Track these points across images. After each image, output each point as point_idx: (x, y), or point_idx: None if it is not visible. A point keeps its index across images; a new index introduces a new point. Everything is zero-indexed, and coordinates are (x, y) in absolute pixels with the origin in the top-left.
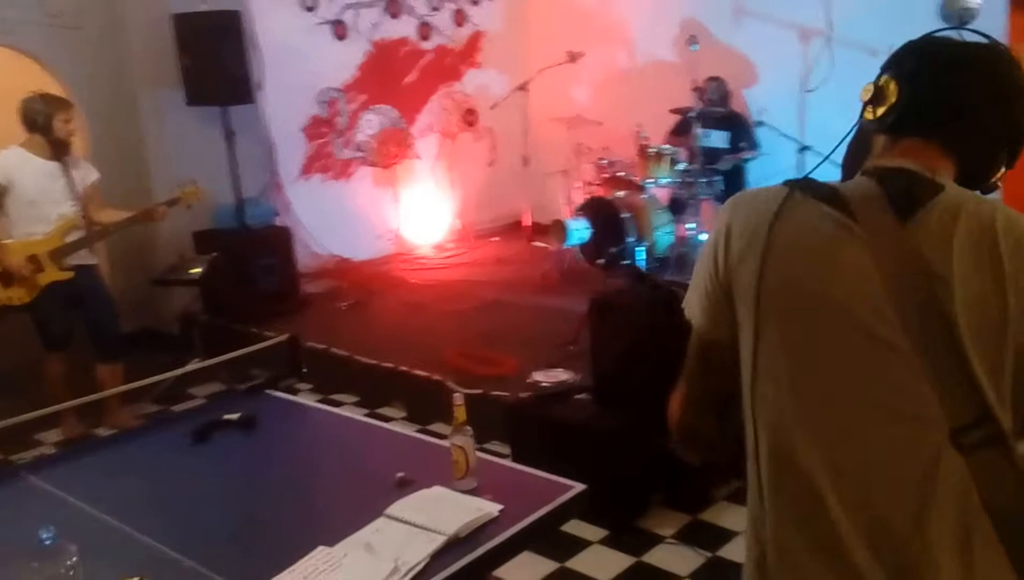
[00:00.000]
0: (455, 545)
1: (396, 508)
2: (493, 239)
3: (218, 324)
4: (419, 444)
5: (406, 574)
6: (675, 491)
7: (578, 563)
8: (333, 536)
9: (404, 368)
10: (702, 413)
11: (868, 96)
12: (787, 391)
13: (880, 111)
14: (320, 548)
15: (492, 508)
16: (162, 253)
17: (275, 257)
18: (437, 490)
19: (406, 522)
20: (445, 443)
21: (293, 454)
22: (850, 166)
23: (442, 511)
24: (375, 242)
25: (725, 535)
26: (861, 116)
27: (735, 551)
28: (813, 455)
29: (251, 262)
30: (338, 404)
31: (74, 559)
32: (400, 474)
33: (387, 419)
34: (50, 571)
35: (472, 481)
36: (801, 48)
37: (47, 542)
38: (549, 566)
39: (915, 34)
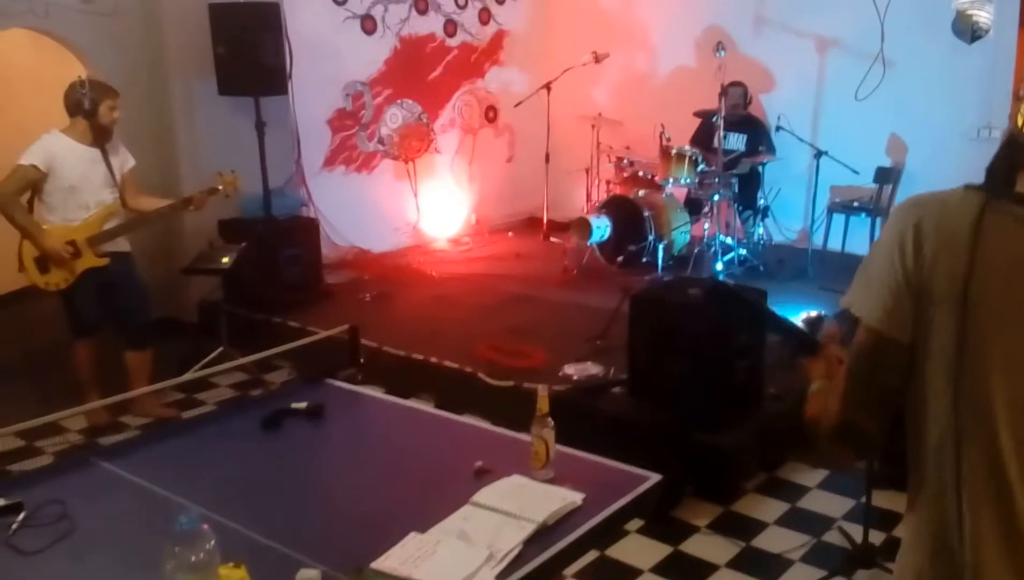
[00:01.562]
0: (543, 532)
1: (482, 496)
2: (508, 234)
3: (240, 313)
4: (489, 435)
5: (501, 560)
6: (706, 483)
7: (618, 551)
8: (422, 523)
9: (434, 360)
10: (867, 411)
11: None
12: (1002, 399)
13: None
14: (412, 534)
15: (576, 497)
16: (188, 242)
17: (300, 248)
18: (518, 479)
19: (494, 509)
20: (513, 433)
21: (365, 443)
22: (1001, 170)
23: (528, 499)
24: (393, 235)
25: (758, 525)
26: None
27: (768, 541)
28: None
29: (277, 252)
30: None
31: (212, 542)
32: (479, 463)
33: None
34: (191, 554)
35: (550, 471)
36: (818, 57)
37: (187, 526)
38: (590, 554)
39: (928, 48)
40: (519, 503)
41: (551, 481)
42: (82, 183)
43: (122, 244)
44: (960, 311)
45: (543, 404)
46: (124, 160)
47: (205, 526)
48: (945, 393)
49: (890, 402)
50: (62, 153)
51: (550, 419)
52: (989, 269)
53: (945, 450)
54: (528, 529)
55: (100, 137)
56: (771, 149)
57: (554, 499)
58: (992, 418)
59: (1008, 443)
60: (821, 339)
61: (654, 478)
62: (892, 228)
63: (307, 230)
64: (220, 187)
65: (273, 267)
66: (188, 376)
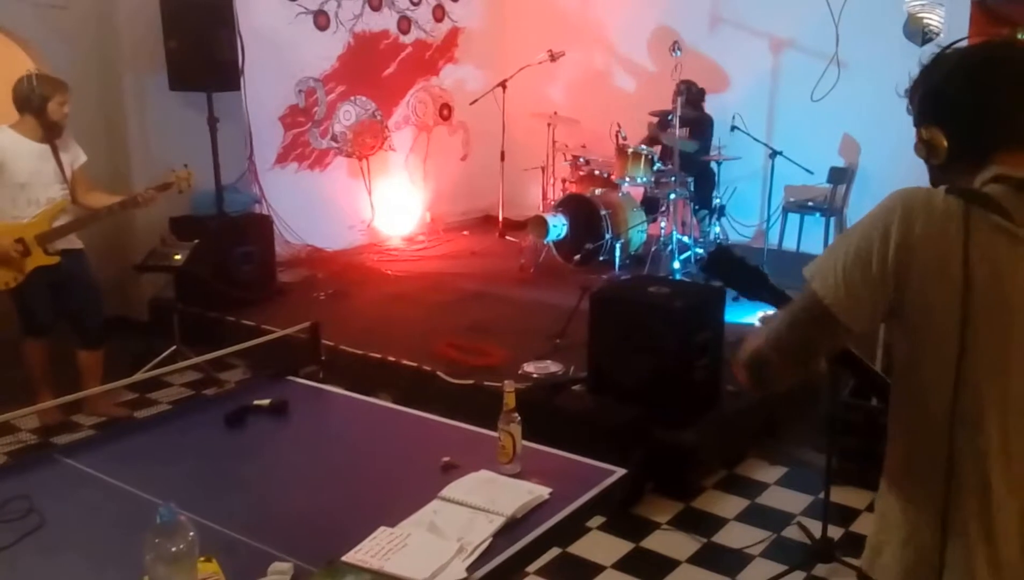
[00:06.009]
0: (511, 526)
1: (450, 490)
2: (463, 233)
3: (193, 312)
4: (454, 430)
5: (472, 552)
6: (666, 480)
7: (580, 548)
8: (391, 517)
9: (393, 358)
10: (787, 358)
11: (924, 153)
12: (1001, 394)
13: (941, 160)
14: (382, 528)
15: (543, 491)
16: (139, 239)
17: (253, 245)
18: (486, 474)
19: (463, 504)
20: (478, 429)
21: (330, 439)
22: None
23: (496, 493)
24: (347, 233)
25: (718, 521)
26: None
27: (728, 537)
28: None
29: (230, 249)
30: None
31: (192, 534)
32: (445, 458)
33: None
34: (172, 545)
35: (517, 466)
36: (772, 57)
37: (166, 518)
38: (553, 551)
39: (880, 50)
40: (487, 497)
41: (518, 475)
42: (32, 179)
43: (74, 241)
44: (960, 325)
45: (510, 399)
46: (75, 156)
47: (182, 518)
48: (944, 399)
49: (811, 361)
50: (11, 149)
51: (517, 414)
52: (977, 281)
53: (938, 448)
54: (497, 522)
55: (50, 133)
56: (711, 147)
57: (522, 493)
58: (986, 427)
59: (998, 456)
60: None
61: (619, 472)
62: (879, 216)
63: (260, 227)
64: (172, 182)
65: (226, 265)
66: (142, 375)
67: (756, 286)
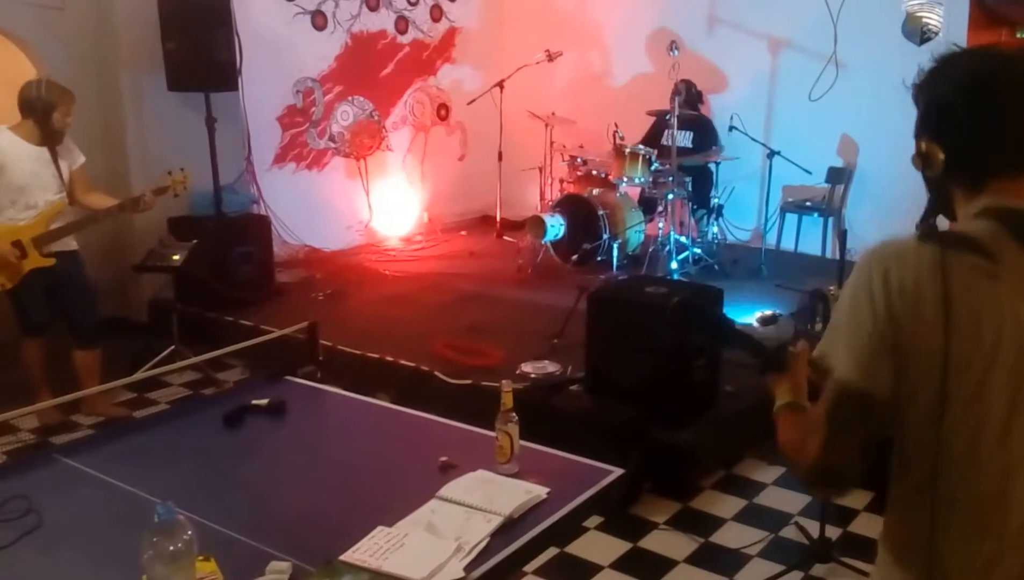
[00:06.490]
0: (509, 525)
1: (448, 490)
2: (461, 233)
3: (192, 312)
4: (452, 430)
5: (469, 552)
6: (664, 480)
7: (577, 548)
8: (389, 517)
9: (391, 358)
10: (846, 456)
11: (920, 165)
12: (994, 443)
13: (936, 174)
14: (380, 528)
15: (540, 491)
16: (138, 239)
17: (252, 245)
18: (483, 474)
19: (461, 503)
20: (476, 429)
21: (328, 439)
22: (938, 211)
23: (494, 493)
24: (345, 233)
25: (716, 521)
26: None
27: (726, 537)
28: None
29: (228, 250)
30: None
31: (189, 532)
32: (443, 458)
33: None
34: (169, 544)
35: (515, 466)
36: (770, 57)
37: (164, 516)
38: (550, 551)
39: (879, 49)
40: (485, 497)
41: (516, 475)
42: (31, 182)
43: (69, 243)
44: (941, 372)
45: (507, 399)
46: (73, 157)
47: (180, 517)
48: (930, 443)
49: (871, 447)
50: (11, 151)
51: (514, 414)
52: (959, 325)
53: (924, 494)
54: (495, 522)
55: (50, 140)
56: (717, 146)
57: (519, 493)
58: (975, 467)
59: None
60: (790, 357)
61: (616, 472)
62: (858, 281)
63: (258, 227)
64: (169, 185)
65: (224, 265)
66: (140, 375)
67: (721, 334)
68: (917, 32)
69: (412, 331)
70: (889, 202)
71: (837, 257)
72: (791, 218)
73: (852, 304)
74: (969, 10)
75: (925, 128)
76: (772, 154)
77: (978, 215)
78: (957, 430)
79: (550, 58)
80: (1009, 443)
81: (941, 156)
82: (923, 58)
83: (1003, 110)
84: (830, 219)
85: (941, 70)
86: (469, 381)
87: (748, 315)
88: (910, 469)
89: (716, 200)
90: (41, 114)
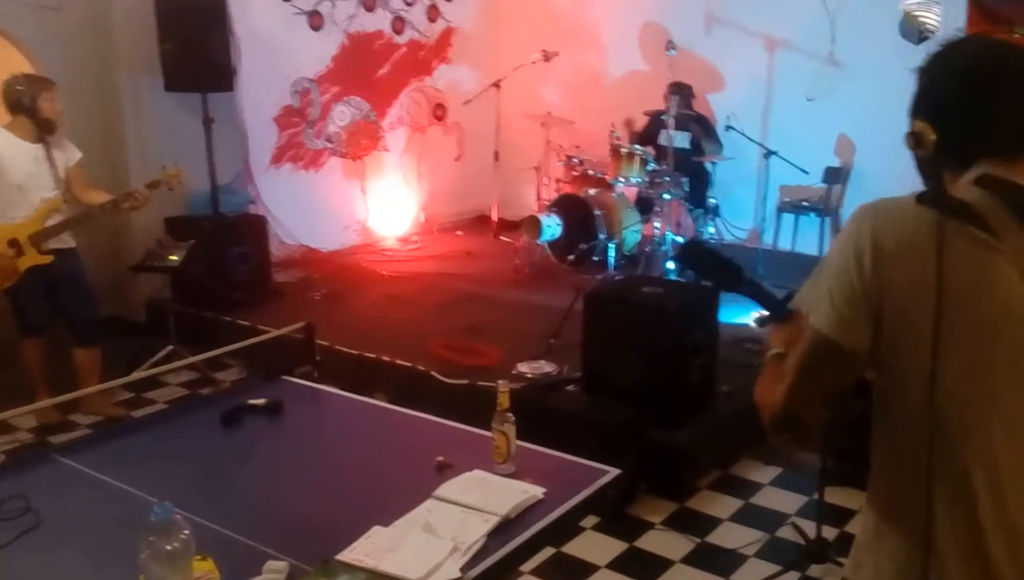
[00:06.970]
0: (505, 525)
1: (445, 490)
2: (457, 233)
3: (189, 312)
4: (448, 430)
5: (466, 552)
6: (661, 480)
7: (574, 548)
8: (385, 517)
9: (387, 358)
10: (812, 407)
11: (912, 144)
12: (984, 411)
13: (927, 153)
14: (376, 528)
15: (537, 491)
16: (135, 240)
17: (249, 245)
18: (480, 474)
19: (457, 503)
20: (473, 429)
21: (325, 438)
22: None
23: (490, 493)
24: (342, 233)
25: (712, 522)
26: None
27: (722, 537)
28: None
29: (225, 250)
30: None
31: (186, 532)
32: (440, 458)
33: None
34: (167, 543)
35: (512, 466)
36: (767, 57)
37: (160, 516)
38: (547, 551)
39: (876, 49)
40: (482, 497)
41: (512, 475)
42: (29, 181)
43: (66, 240)
44: (933, 338)
45: (504, 399)
46: (70, 154)
47: (177, 516)
48: (921, 416)
49: (836, 401)
50: (7, 151)
51: (510, 414)
52: (954, 295)
53: (918, 465)
54: (492, 522)
55: (45, 131)
56: (717, 146)
57: (516, 493)
58: (966, 440)
59: (978, 467)
60: (793, 307)
61: (613, 472)
62: (849, 236)
63: (256, 227)
64: (161, 180)
65: (222, 265)
66: (138, 374)
67: (731, 278)
68: (915, 32)
69: (409, 331)
70: None
71: None
72: (788, 218)
73: (840, 261)
74: (967, 10)
75: (920, 108)
76: (769, 154)
77: (975, 182)
78: (950, 399)
79: (546, 58)
80: (1008, 414)
81: (933, 137)
82: (920, 58)
83: (998, 98)
84: (827, 219)
85: (944, 54)
86: (466, 381)
87: (744, 315)
88: (899, 438)
89: (713, 200)
90: (28, 106)
